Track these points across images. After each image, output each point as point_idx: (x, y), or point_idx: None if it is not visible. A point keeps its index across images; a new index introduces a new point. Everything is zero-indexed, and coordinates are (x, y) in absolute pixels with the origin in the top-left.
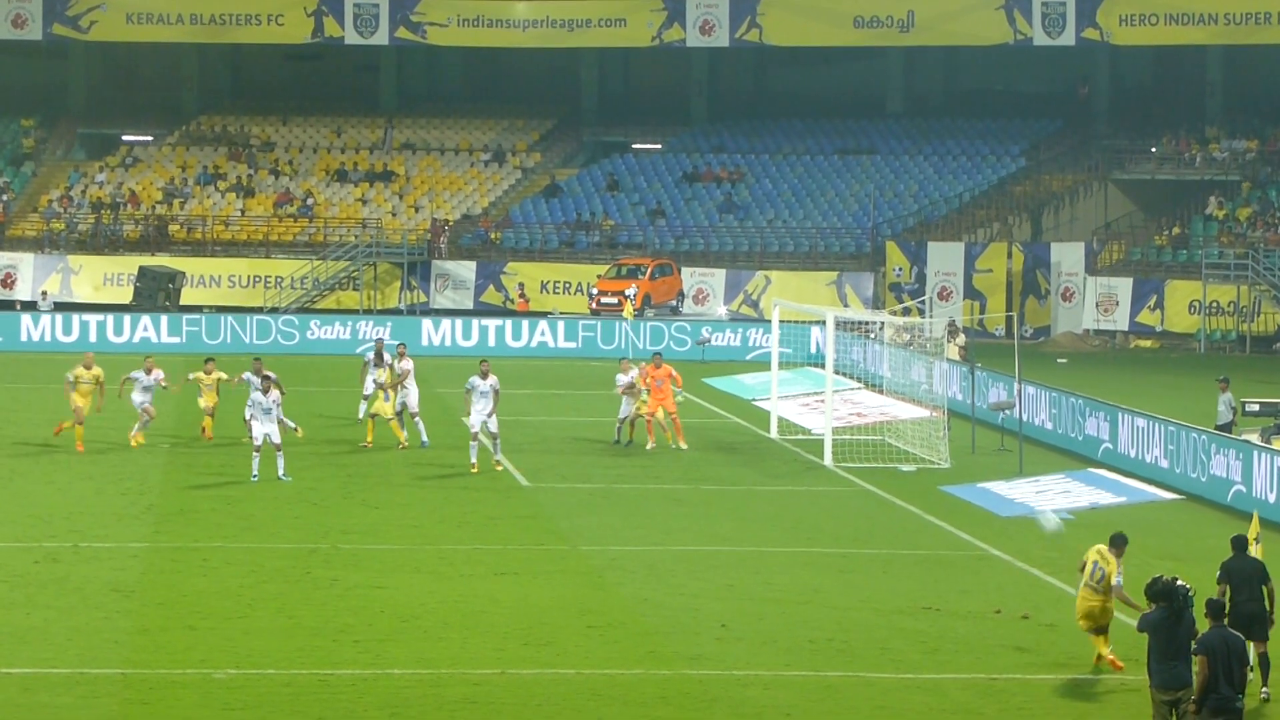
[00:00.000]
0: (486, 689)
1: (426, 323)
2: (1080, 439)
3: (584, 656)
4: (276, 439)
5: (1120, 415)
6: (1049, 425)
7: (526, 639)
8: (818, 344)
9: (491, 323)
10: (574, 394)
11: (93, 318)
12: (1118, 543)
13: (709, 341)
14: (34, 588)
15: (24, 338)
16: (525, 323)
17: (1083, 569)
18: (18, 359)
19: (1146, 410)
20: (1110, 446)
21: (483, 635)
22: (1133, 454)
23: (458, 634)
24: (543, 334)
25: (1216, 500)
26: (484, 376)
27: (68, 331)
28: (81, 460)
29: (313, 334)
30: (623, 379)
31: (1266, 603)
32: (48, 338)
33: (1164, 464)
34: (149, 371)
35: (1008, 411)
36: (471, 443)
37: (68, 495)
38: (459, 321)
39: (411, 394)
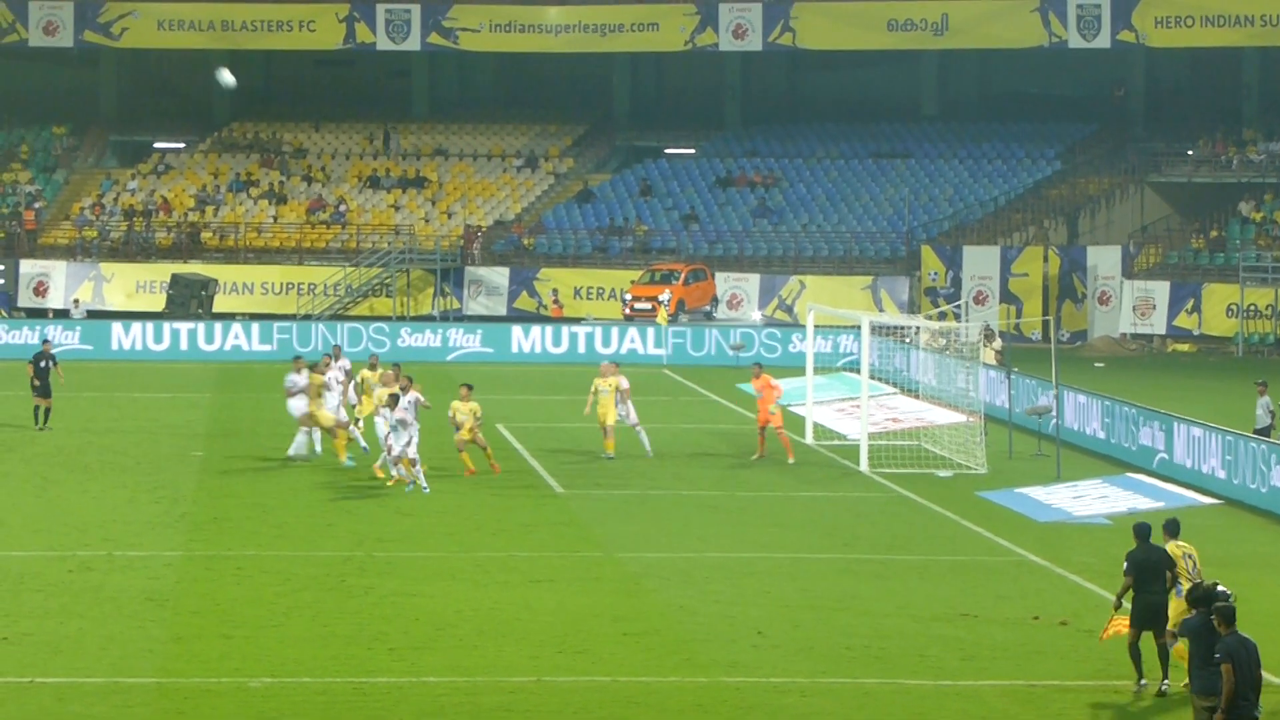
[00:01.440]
0: (522, 697)
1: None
2: (1134, 449)
3: (619, 664)
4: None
5: (1175, 425)
6: (1101, 434)
7: (562, 647)
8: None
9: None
10: None
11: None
12: (1173, 529)
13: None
14: (68, 597)
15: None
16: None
17: (1173, 575)
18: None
19: (1181, 414)
20: (1165, 456)
21: (518, 643)
22: (1189, 464)
23: (493, 642)
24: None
25: (1278, 512)
26: (392, 409)
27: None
28: (115, 469)
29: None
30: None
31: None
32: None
33: (1221, 475)
34: (385, 382)
35: (1050, 416)
36: (386, 457)
37: (102, 504)
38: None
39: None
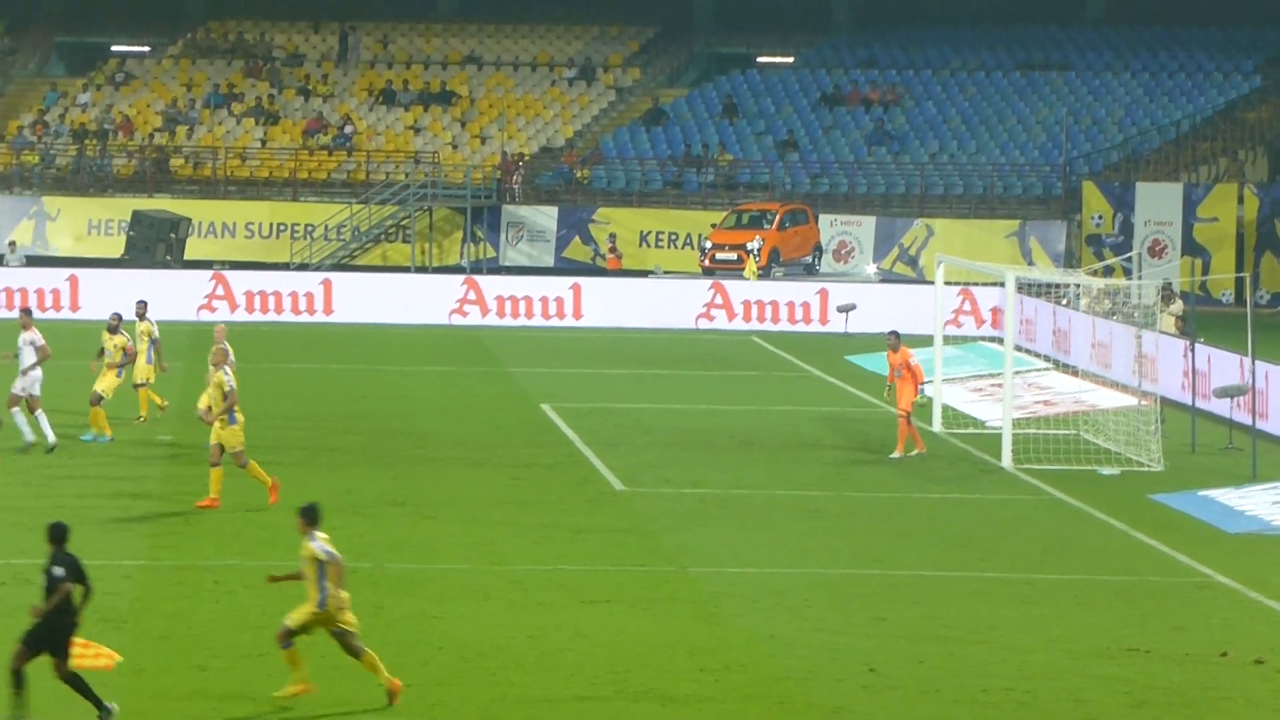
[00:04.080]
0: None
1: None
2: None
3: (694, 707)
4: None
5: None
6: None
7: (620, 685)
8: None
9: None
10: (683, 374)
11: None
12: (312, 517)
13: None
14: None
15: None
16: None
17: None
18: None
19: None
20: None
21: (566, 679)
22: None
23: (534, 678)
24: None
25: None
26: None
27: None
28: (61, 456)
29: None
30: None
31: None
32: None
33: None
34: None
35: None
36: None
37: (43, 498)
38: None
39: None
